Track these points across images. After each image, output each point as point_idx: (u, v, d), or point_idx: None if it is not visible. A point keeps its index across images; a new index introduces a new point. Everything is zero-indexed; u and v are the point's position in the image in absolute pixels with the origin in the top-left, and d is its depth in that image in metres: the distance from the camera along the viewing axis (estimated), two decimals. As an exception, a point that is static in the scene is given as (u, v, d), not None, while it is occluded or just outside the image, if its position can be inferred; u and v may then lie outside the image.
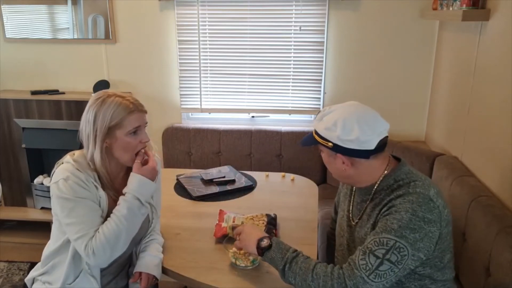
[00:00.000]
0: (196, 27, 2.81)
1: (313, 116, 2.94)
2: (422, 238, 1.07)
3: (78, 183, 1.25)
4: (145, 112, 1.35)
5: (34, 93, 2.83)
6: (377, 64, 2.74)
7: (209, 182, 2.08)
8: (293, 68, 2.83)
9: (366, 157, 1.17)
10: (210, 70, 2.90)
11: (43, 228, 2.81)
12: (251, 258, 1.40)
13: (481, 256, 1.42)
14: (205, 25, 2.81)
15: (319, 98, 2.86)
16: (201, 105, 2.98)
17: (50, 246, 1.37)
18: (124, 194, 1.31)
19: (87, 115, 1.30)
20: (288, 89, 2.88)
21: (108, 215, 1.30)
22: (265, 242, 1.24)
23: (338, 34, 2.72)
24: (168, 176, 2.11)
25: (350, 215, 1.32)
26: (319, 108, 2.87)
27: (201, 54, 2.86)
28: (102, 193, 1.30)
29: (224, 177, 2.12)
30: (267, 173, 2.25)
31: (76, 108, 2.78)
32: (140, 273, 1.38)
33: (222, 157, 2.85)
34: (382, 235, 1.08)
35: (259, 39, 2.80)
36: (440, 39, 2.59)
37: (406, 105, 2.77)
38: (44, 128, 2.83)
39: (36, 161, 2.98)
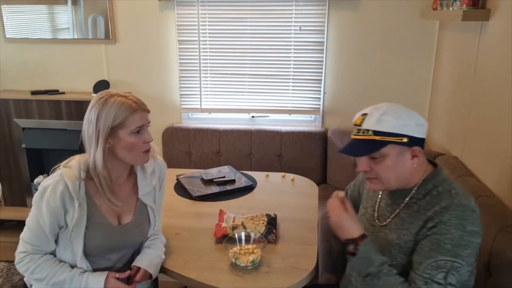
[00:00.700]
0: (196, 27, 2.81)
1: (313, 116, 2.94)
2: (472, 252, 1.08)
3: (48, 200, 1.26)
4: (148, 111, 1.34)
5: (34, 93, 2.83)
6: (377, 64, 2.74)
7: (209, 182, 2.08)
8: (293, 68, 2.83)
9: (423, 147, 1.19)
10: (210, 70, 2.90)
11: (43, 228, 2.81)
12: (251, 258, 1.40)
13: (481, 255, 1.42)
14: (205, 25, 2.81)
15: (319, 98, 2.86)
16: (201, 105, 2.98)
17: None
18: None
19: (89, 116, 1.29)
20: (288, 89, 2.88)
21: (88, 221, 1.31)
22: (351, 248, 1.15)
23: (338, 34, 2.72)
24: (168, 176, 2.09)
25: (376, 215, 1.30)
26: (319, 108, 2.87)
27: (201, 54, 2.86)
28: (78, 203, 1.28)
29: (224, 177, 2.12)
30: (267, 173, 2.25)
31: (76, 108, 2.78)
32: (139, 268, 1.37)
33: (222, 157, 2.85)
34: (438, 258, 1.07)
35: (259, 39, 2.80)
36: (440, 39, 2.59)
37: (406, 105, 2.70)
38: (44, 128, 2.83)
39: (36, 161, 2.98)
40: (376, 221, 1.30)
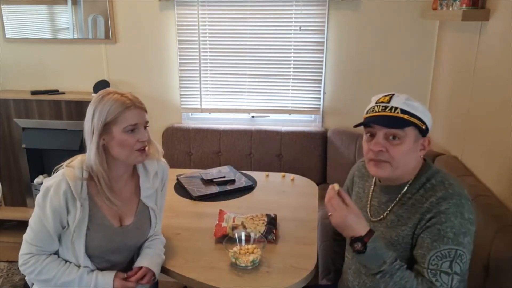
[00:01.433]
0: (196, 27, 2.81)
1: (313, 116, 2.94)
2: (471, 240, 1.10)
3: (52, 198, 1.26)
4: (143, 108, 1.33)
5: (34, 93, 2.83)
6: (377, 64, 2.74)
7: (209, 182, 2.08)
8: (293, 68, 2.83)
9: None
10: (210, 70, 2.91)
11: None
12: (251, 258, 1.40)
13: (480, 255, 1.42)
14: (205, 25, 2.81)
15: (319, 98, 2.86)
16: (201, 105, 2.98)
17: None
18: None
19: (88, 114, 1.31)
20: (288, 89, 2.88)
21: (89, 222, 1.31)
22: (358, 247, 1.10)
23: (338, 34, 2.72)
24: (169, 176, 2.11)
25: (369, 215, 1.30)
26: (319, 108, 2.87)
27: (201, 54, 2.86)
28: (80, 204, 1.29)
29: (224, 177, 2.12)
30: (267, 173, 2.25)
31: (76, 108, 2.78)
32: (140, 268, 1.37)
33: (222, 157, 2.85)
34: (441, 247, 1.08)
35: (259, 39, 2.80)
36: (440, 39, 2.59)
37: None
38: (44, 128, 2.83)
39: (36, 161, 2.99)
40: (370, 218, 1.29)
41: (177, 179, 2.13)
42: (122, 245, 1.40)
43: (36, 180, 2.94)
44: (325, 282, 1.71)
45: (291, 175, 2.22)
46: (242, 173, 2.21)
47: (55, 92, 2.88)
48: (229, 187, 2.03)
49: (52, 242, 1.31)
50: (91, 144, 1.29)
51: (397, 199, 1.22)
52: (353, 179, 1.45)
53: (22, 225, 3.08)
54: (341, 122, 2.84)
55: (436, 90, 2.63)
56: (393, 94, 1.19)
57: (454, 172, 1.88)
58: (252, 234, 1.52)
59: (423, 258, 1.10)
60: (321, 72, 2.81)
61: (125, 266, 1.46)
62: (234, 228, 1.58)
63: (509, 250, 1.28)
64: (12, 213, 2.96)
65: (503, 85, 1.66)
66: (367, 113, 1.21)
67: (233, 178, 2.11)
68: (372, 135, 1.18)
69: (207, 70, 2.91)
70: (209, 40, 2.84)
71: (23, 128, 2.85)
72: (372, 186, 1.32)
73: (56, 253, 1.35)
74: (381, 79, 2.75)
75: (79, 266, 1.32)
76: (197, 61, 2.88)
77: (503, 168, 1.61)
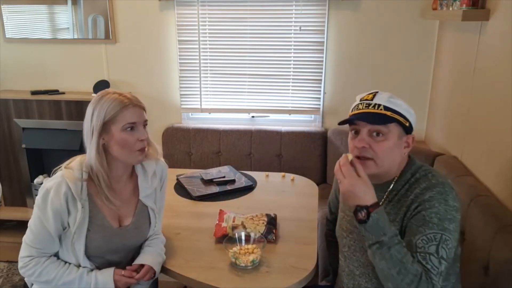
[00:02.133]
0: (196, 27, 2.81)
1: (313, 116, 2.94)
2: (456, 227, 1.10)
3: (53, 199, 1.26)
4: (142, 107, 1.33)
5: (34, 93, 2.83)
6: (377, 64, 2.74)
7: (209, 182, 2.08)
8: (293, 68, 2.83)
9: None
10: (210, 70, 2.91)
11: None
12: (251, 258, 1.40)
13: (480, 255, 1.42)
14: (205, 25, 2.81)
15: (319, 98, 2.86)
16: (201, 105, 2.98)
17: None
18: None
19: (87, 114, 1.32)
20: (288, 89, 2.88)
21: (90, 222, 1.31)
22: (361, 215, 1.08)
23: (338, 34, 2.72)
24: (168, 176, 2.09)
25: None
26: (319, 108, 2.87)
27: (201, 54, 2.87)
28: (80, 204, 1.29)
29: (224, 177, 2.12)
30: (267, 173, 2.25)
31: (76, 108, 2.78)
32: (141, 265, 1.37)
33: (222, 157, 2.85)
34: (426, 231, 1.08)
35: (259, 39, 2.80)
36: (440, 39, 2.59)
37: None
38: (44, 128, 2.83)
39: (36, 161, 2.99)
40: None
41: (177, 179, 2.13)
42: (121, 246, 1.40)
43: (36, 180, 2.94)
44: (325, 283, 1.71)
45: (291, 175, 2.22)
46: (242, 173, 2.21)
47: (55, 92, 2.88)
48: (229, 187, 2.03)
49: (52, 243, 1.31)
50: (91, 144, 1.29)
51: (384, 197, 1.23)
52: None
53: (22, 225, 3.09)
54: (341, 122, 2.84)
55: (436, 90, 2.62)
56: (377, 92, 1.21)
57: (454, 172, 1.88)
58: (252, 234, 1.52)
59: (411, 243, 1.10)
60: (321, 72, 2.81)
61: (125, 265, 1.46)
62: (234, 228, 1.58)
63: (509, 250, 1.28)
64: (12, 213, 2.96)
65: (503, 85, 1.66)
66: (352, 111, 1.23)
67: (233, 178, 2.11)
68: (357, 133, 1.19)
69: (207, 70, 2.91)
70: (209, 40, 2.84)
71: (23, 128, 2.85)
72: None
73: (56, 254, 1.35)
74: (381, 79, 2.75)
75: (78, 267, 1.33)
76: (197, 61, 2.88)
77: (503, 168, 1.61)
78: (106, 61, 2.95)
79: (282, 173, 2.25)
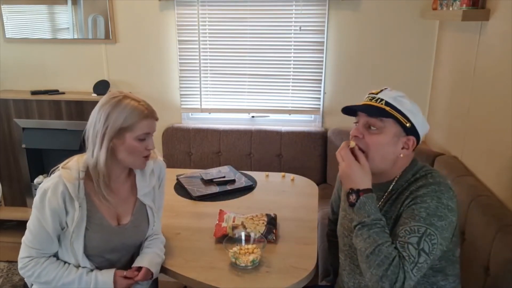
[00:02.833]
0: (196, 27, 2.81)
1: (313, 116, 2.94)
2: (447, 226, 1.08)
3: (50, 200, 1.26)
4: (157, 118, 1.36)
5: (34, 93, 2.83)
6: (377, 64, 2.74)
7: (209, 182, 2.08)
8: (293, 68, 2.83)
9: (414, 149, 1.20)
10: (210, 70, 2.90)
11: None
12: (251, 258, 1.40)
13: (480, 255, 1.42)
14: (205, 25, 2.81)
15: (319, 98, 2.86)
16: (201, 105, 2.98)
17: None
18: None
19: (99, 114, 1.29)
20: (288, 89, 2.88)
21: (88, 222, 1.31)
22: (352, 198, 1.12)
23: (338, 34, 2.72)
24: (168, 176, 2.09)
25: None
26: (319, 108, 2.87)
27: (201, 54, 2.86)
28: (78, 204, 1.29)
29: (224, 177, 2.12)
30: (267, 173, 2.25)
31: (76, 108, 2.78)
32: (139, 268, 1.37)
33: (222, 157, 2.85)
34: (411, 223, 1.08)
35: (259, 39, 2.80)
36: (440, 39, 2.59)
37: None
38: (44, 128, 2.83)
39: (36, 161, 2.99)
40: None
41: (177, 179, 2.13)
42: (120, 244, 1.40)
43: (36, 180, 2.94)
44: (325, 283, 1.71)
45: (291, 175, 2.22)
46: (242, 173, 2.21)
47: (55, 92, 2.88)
48: (229, 187, 2.03)
49: (51, 244, 1.31)
50: (101, 146, 1.28)
51: (384, 196, 1.23)
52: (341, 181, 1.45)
53: (22, 225, 3.07)
54: (341, 122, 2.84)
55: (436, 90, 2.62)
56: (386, 88, 1.22)
57: (454, 172, 1.88)
58: (252, 234, 1.52)
59: (394, 233, 1.11)
60: (321, 72, 2.81)
61: (125, 264, 1.46)
62: (234, 228, 1.58)
63: (509, 250, 1.28)
64: (12, 213, 2.96)
65: (503, 85, 1.66)
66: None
67: (233, 178, 2.11)
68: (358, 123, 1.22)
69: (207, 70, 2.91)
70: (209, 40, 2.84)
71: (23, 128, 2.85)
72: None
73: (55, 255, 1.35)
74: (381, 79, 2.75)
75: (78, 267, 1.33)
76: (197, 61, 2.88)
77: (503, 168, 1.61)
78: (106, 61, 2.95)
79: (282, 173, 2.25)
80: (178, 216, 1.78)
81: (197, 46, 2.85)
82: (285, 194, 2.02)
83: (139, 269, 1.37)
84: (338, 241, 1.41)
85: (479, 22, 1.90)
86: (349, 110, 1.23)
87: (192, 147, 2.88)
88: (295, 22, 2.73)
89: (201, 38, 2.83)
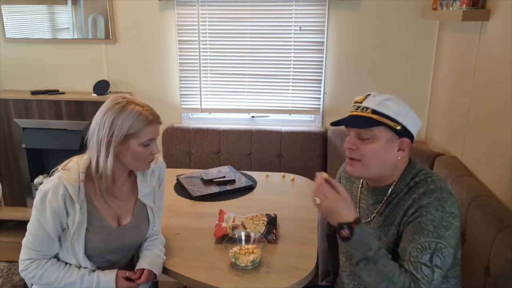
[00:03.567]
0: (196, 27, 2.81)
1: (313, 116, 2.94)
2: (454, 234, 1.09)
3: (51, 201, 1.26)
4: (161, 123, 1.37)
5: (34, 93, 2.83)
6: (377, 64, 2.74)
7: (209, 182, 2.08)
8: (293, 68, 2.83)
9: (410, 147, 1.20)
10: (210, 70, 2.90)
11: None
12: (251, 258, 1.40)
13: (481, 256, 1.42)
14: (205, 25, 2.81)
15: (319, 98, 2.86)
16: (201, 105, 2.98)
17: None
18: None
19: (103, 119, 1.27)
20: (288, 89, 2.88)
21: (88, 223, 1.31)
22: (345, 233, 1.09)
23: (338, 34, 2.72)
24: (168, 176, 2.10)
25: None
26: (319, 108, 2.87)
27: (201, 54, 2.86)
28: (79, 206, 1.29)
29: (224, 177, 2.12)
30: (267, 173, 2.25)
31: (76, 108, 2.78)
32: (143, 270, 1.37)
33: (222, 157, 2.85)
34: (421, 239, 1.08)
35: (259, 39, 2.80)
36: (440, 39, 2.59)
37: None
38: (44, 128, 2.83)
39: (36, 161, 2.99)
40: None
41: (177, 179, 2.13)
42: (120, 245, 1.40)
43: (36, 180, 2.94)
44: (325, 283, 1.71)
45: (291, 175, 2.22)
46: (242, 173, 2.21)
47: (55, 92, 2.88)
48: (229, 187, 2.03)
49: (52, 245, 1.31)
50: (108, 155, 1.28)
51: (383, 200, 1.22)
52: (340, 180, 1.45)
53: (22, 225, 3.07)
54: (341, 122, 2.84)
55: (436, 90, 2.62)
56: (369, 94, 1.20)
57: (454, 172, 1.88)
58: (252, 234, 1.52)
59: (404, 251, 1.10)
60: (321, 72, 2.81)
61: (125, 265, 1.46)
62: (234, 228, 1.58)
63: (509, 251, 1.28)
64: (12, 213, 2.96)
65: (503, 85, 1.66)
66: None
67: (233, 178, 2.11)
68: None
69: (207, 70, 2.91)
70: (209, 40, 2.84)
71: (23, 128, 2.85)
72: (360, 187, 1.33)
73: (56, 256, 1.35)
74: (381, 79, 2.75)
75: (79, 267, 1.32)
76: (197, 61, 2.88)
77: (504, 168, 1.61)
78: (106, 61, 2.95)
79: (282, 173, 2.25)
80: (178, 216, 1.78)
81: (197, 46, 2.85)
82: (285, 194, 2.03)
83: (141, 271, 1.37)
84: (338, 242, 1.42)
85: (479, 22, 1.90)
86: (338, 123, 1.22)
87: (192, 147, 2.88)
88: (295, 22, 2.73)
89: (201, 38, 2.83)
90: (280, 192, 2.04)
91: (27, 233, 1.32)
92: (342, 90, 2.82)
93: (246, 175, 2.19)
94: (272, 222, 1.64)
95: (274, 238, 1.58)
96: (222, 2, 2.74)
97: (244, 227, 1.59)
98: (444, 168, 1.98)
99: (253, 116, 3.00)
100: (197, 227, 1.68)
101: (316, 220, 1.76)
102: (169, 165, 2.46)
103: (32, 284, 1.40)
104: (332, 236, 1.52)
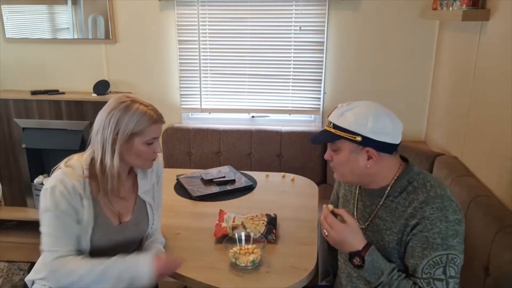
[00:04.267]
0: (196, 27, 2.81)
1: (313, 116, 2.94)
2: (461, 240, 1.10)
3: (63, 193, 1.24)
4: (164, 122, 1.38)
5: (34, 93, 2.83)
6: (377, 64, 2.74)
7: (209, 182, 2.08)
8: (293, 68, 2.83)
9: (390, 152, 1.18)
10: (210, 70, 2.91)
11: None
12: (251, 258, 1.40)
13: (480, 256, 1.42)
14: (205, 25, 2.81)
15: (319, 98, 2.86)
16: (201, 105, 2.98)
17: None
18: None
19: (108, 118, 1.27)
20: (288, 89, 2.88)
21: (94, 222, 1.30)
22: (357, 261, 1.14)
23: (338, 34, 2.72)
24: (168, 176, 2.11)
25: (355, 217, 1.30)
26: (319, 108, 2.87)
27: (201, 54, 2.86)
28: (86, 202, 1.29)
29: (224, 177, 2.12)
30: (267, 173, 2.25)
31: (76, 108, 2.78)
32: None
33: (222, 157, 2.85)
34: (432, 255, 1.08)
35: (259, 39, 2.80)
36: (440, 39, 2.59)
37: (406, 105, 2.77)
38: (44, 128, 2.83)
39: (36, 161, 2.99)
40: (357, 222, 1.28)
41: (177, 179, 2.13)
42: (121, 243, 1.40)
43: (36, 180, 2.94)
44: (325, 283, 1.71)
45: (291, 175, 2.22)
46: (242, 173, 2.21)
47: (55, 92, 2.88)
48: (229, 187, 2.03)
49: (73, 238, 1.28)
50: (114, 154, 1.28)
51: (380, 202, 1.22)
52: (340, 182, 1.46)
53: (22, 225, 3.10)
54: (341, 122, 2.84)
55: (436, 90, 2.62)
56: (336, 107, 1.22)
57: (454, 172, 1.88)
58: (252, 234, 1.52)
59: (417, 268, 1.11)
60: (321, 72, 2.81)
61: None
62: (234, 228, 1.58)
63: (509, 251, 1.28)
64: (12, 213, 2.96)
65: (503, 85, 1.66)
66: None
67: (233, 178, 2.11)
68: None
69: (207, 70, 2.91)
70: (209, 40, 2.84)
71: (23, 128, 2.85)
72: (357, 188, 1.33)
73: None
74: (381, 79, 2.76)
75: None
76: (197, 61, 2.88)
77: (504, 168, 1.61)
78: (106, 61, 2.95)
79: (282, 173, 2.25)
80: (178, 216, 1.78)
81: (197, 46, 2.85)
82: (285, 194, 2.02)
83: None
84: None
85: (479, 22, 1.90)
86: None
87: (192, 147, 2.88)
88: (295, 22, 2.73)
89: (201, 38, 2.83)
90: (280, 192, 2.04)
91: (44, 239, 1.26)
92: (342, 90, 2.82)
93: (246, 175, 2.19)
94: (272, 222, 1.64)
95: (274, 238, 1.58)
96: (222, 2, 2.74)
97: (244, 227, 1.59)
98: (444, 168, 1.98)
99: (253, 116, 3.00)
100: (197, 227, 1.68)
101: (316, 220, 1.76)
102: (169, 165, 2.46)
103: (32, 284, 1.40)
104: None
